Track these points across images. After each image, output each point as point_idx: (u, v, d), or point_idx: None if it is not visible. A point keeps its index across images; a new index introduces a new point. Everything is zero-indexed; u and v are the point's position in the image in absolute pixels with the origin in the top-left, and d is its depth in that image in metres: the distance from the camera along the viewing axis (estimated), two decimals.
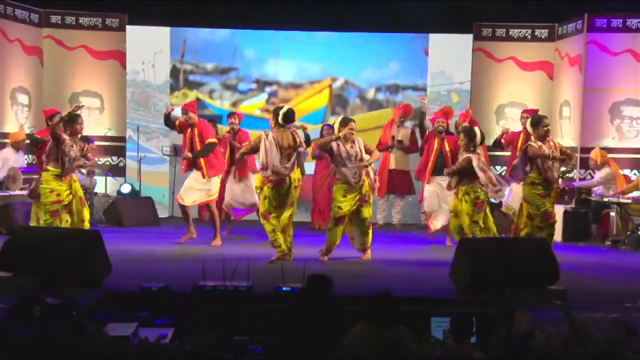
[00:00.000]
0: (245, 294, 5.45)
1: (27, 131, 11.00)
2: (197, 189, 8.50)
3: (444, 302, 5.40)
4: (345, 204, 7.47)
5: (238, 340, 4.18)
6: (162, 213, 11.17)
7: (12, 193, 9.33)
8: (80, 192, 7.32)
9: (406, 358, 3.50)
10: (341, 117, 8.18)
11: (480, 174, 7.12)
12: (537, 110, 9.10)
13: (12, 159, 9.77)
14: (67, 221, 7.13)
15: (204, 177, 8.43)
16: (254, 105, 11.76)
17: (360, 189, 7.50)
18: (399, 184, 10.21)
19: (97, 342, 3.68)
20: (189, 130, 8.49)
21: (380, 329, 3.98)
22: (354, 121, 7.68)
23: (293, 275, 5.59)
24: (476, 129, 7.50)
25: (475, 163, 7.14)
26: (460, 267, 5.97)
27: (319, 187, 10.11)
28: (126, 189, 10.84)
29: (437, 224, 8.68)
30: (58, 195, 7.09)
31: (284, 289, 5.45)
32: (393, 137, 10.06)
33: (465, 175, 7.23)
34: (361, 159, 7.46)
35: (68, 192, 7.14)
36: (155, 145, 11.59)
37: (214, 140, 8.48)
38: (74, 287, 5.37)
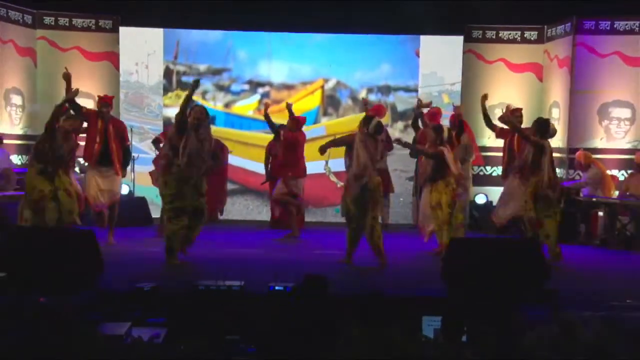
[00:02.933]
0: (238, 293, 5.42)
1: (20, 132, 10.96)
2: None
3: (435, 302, 5.38)
4: None
5: (231, 340, 4.16)
6: (155, 213, 11.11)
7: (6, 193, 9.28)
8: (67, 185, 7.48)
9: (398, 358, 3.48)
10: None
11: (452, 166, 7.63)
12: (521, 109, 9.16)
13: None
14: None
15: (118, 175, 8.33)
16: (246, 106, 11.74)
17: None
18: (384, 183, 10.09)
19: (89, 342, 3.65)
20: (101, 122, 8.21)
21: (372, 329, 3.96)
22: None
23: (286, 274, 5.57)
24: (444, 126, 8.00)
25: (447, 156, 7.66)
26: (451, 267, 5.96)
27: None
28: (124, 190, 10.80)
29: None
30: (41, 191, 7.39)
31: (276, 288, 5.43)
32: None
33: (440, 169, 7.67)
34: None
35: (50, 187, 7.40)
36: (149, 145, 11.54)
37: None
38: (66, 286, 5.34)
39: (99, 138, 8.16)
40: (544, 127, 7.60)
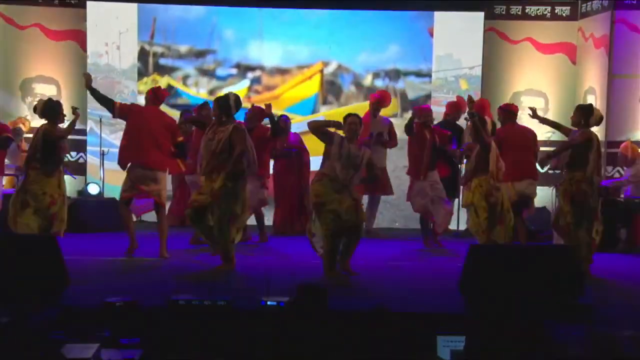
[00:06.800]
0: (224, 309, 5.43)
1: None
2: None
3: (452, 319, 5.39)
4: None
5: None
6: None
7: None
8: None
9: None
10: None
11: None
12: (513, 106, 9.22)
13: None
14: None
15: None
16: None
17: None
18: (381, 183, 10.00)
19: None
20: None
21: None
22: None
23: (278, 287, 5.58)
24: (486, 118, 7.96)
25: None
26: (470, 278, 5.96)
27: (283, 188, 10.25)
28: (93, 189, 10.83)
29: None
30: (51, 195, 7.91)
31: (268, 303, 5.43)
32: (371, 134, 9.74)
33: (480, 167, 7.66)
34: None
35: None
36: (120, 138, 11.54)
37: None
38: (26, 301, 5.34)
39: None
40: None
